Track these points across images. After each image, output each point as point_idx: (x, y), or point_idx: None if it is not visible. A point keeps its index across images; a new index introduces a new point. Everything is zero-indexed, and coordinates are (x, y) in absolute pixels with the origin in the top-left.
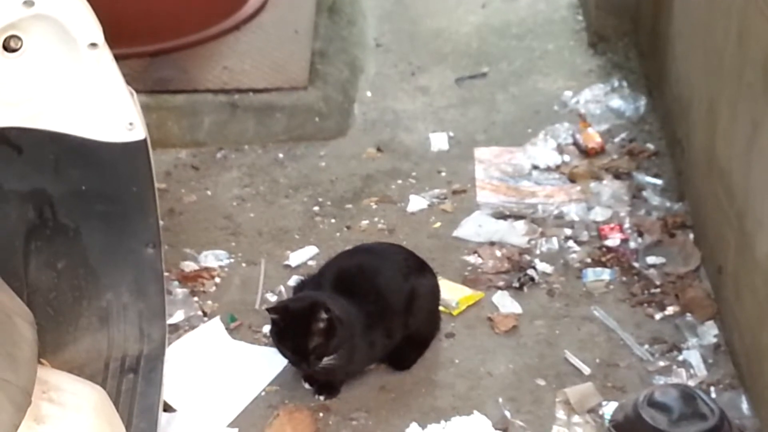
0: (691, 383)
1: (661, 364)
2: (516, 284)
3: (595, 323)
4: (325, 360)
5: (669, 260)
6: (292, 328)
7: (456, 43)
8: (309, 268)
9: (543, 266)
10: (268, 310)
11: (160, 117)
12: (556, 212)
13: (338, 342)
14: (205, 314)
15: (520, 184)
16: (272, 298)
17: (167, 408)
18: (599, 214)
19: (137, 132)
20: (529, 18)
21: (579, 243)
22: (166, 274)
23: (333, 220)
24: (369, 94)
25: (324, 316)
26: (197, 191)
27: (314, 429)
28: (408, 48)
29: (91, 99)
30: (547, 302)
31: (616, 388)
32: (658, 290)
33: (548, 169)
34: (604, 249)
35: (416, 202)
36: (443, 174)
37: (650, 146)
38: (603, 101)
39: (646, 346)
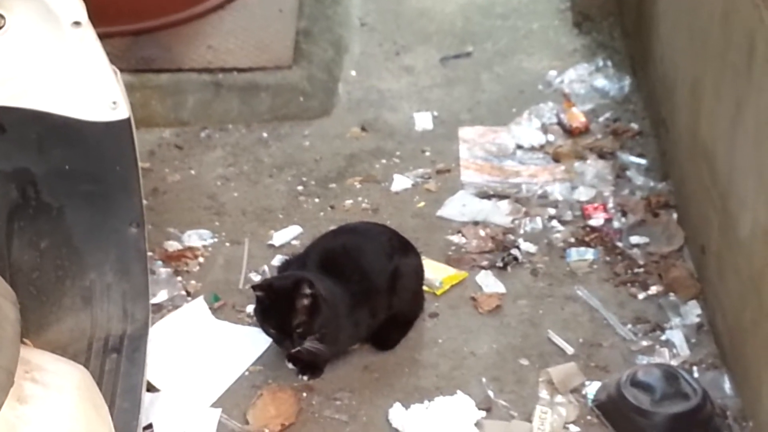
0: (674, 363)
1: (644, 343)
2: (500, 264)
3: (578, 303)
4: (309, 340)
5: (652, 240)
6: (276, 305)
7: (440, 22)
8: (293, 248)
9: (527, 246)
10: (252, 287)
11: (144, 96)
12: (540, 192)
13: (322, 321)
14: (188, 294)
15: (504, 163)
16: (256, 278)
17: (150, 388)
18: (583, 193)
19: (121, 111)
20: None
21: (563, 222)
22: (149, 253)
23: (317, 200)
24: (353, 73)
25: (308, 291)
26: (181, 171)
27: (298, 409)
28: (393, 27)
29: (74, 78)
30: (531, 282)
31: (599, 368)
32: (641, 270)
33: (532, 148)
34: (587, 228)
35: (400, 182)
36: (427, 153)
37: (634, 126)
38: (587, 81)
39: (629, 326)
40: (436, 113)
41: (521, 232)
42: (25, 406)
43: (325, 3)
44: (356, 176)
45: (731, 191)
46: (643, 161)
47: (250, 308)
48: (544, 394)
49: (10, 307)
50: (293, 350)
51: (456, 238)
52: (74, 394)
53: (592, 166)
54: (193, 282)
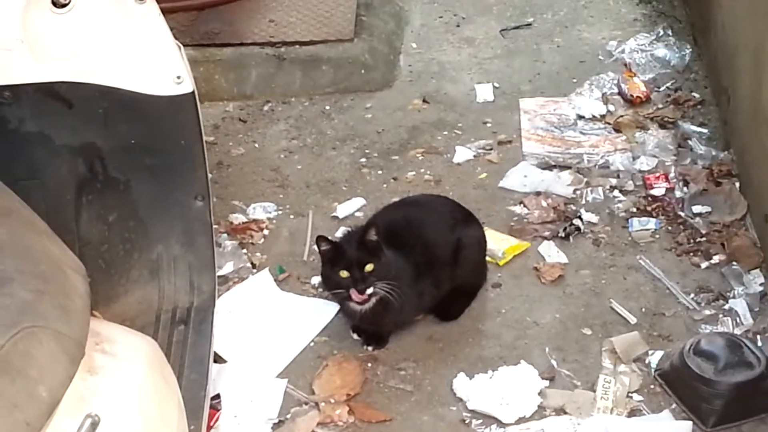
0: (738, 332)
1: (707, 312)
2: (562, 234)
3: (640, 272)
4: (379, 285)
5: (715, 209)
6: (344, 248)
7: None
8: (356, 220)
9: (589, 216)
10: (317, 238)
11: (208, 70)
12: (601, 162)
13: (388, 272)
14: (254, 266)
15: (565, 134)
16: None
17: (218, 359)
18: (645, 163)
19: (185, 85)
20: None
21: (624, 192)
22: (215, 226)
23: (380, 172)
24: (414, 45)
25: (374, 236)
26: (245, 144)
27: (363, 379)
28: None
29: (139, 53)
30: (593, 252)
31: (662, 337)
32: (703, 239)
33: (593, 119)
34: (649, 198)
35: (462, 153)
36: (489, 125)
37: (696, 95)
38: (648, 50)
39: (692, 295)
40: (496, 84)
41: (583, 202)
42: (96, 377)
43: None
44: (418, 148)
45: None
46: (704, 130)
47: (315, 280)
48: (607, 363)
49: (80, 279)
50: (367, 290)
51: (518, 209)
52: (144, 365)
53: (654, 136)
54: (258, 254)
